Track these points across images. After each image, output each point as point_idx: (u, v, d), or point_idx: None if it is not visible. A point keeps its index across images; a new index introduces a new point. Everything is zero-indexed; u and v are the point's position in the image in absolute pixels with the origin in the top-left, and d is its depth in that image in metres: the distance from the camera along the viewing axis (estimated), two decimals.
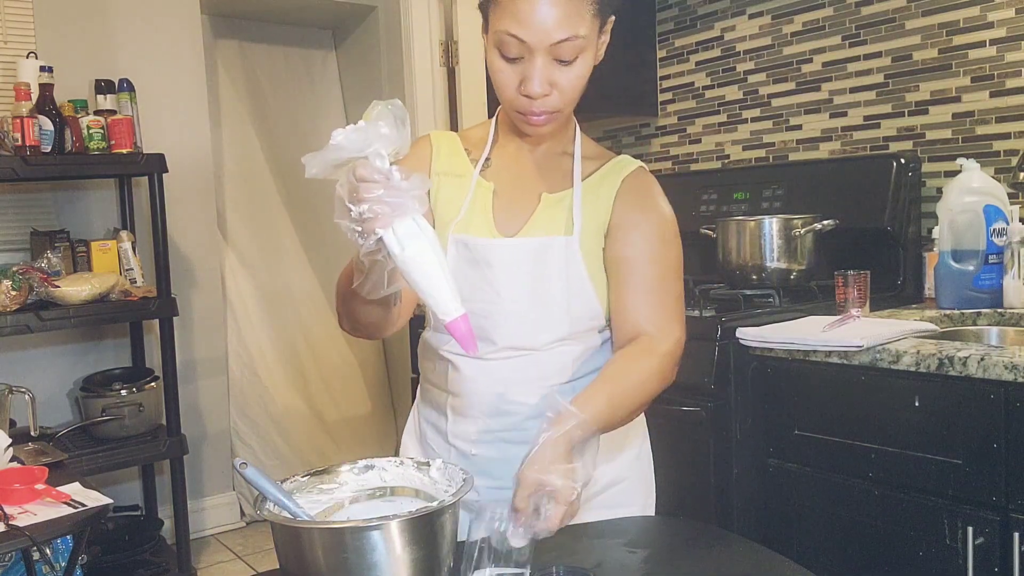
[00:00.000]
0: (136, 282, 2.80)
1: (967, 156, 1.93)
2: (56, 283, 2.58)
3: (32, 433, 2.31)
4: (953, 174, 1.93)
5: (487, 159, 1.19)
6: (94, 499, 1.48)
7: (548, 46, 1.02)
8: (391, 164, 0.84)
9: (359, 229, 0.85)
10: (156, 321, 2.85)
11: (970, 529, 1.35)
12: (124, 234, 2.85)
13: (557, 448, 0.95)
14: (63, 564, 1.84)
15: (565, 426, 0.96)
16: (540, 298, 1.13)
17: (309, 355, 3.82)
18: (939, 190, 2.04)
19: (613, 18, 1.11)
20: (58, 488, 1.50)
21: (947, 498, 1.39)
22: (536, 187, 1.17)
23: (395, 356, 3.94)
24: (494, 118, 1.23)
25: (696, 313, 1.77)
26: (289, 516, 0.99)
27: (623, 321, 1.12)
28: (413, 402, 2.71)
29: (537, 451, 0.95)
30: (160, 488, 3.11)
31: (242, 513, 3.45)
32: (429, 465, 1.11)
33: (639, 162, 1.19)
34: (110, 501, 1.49)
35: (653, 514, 1.31)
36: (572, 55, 1.04)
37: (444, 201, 1.18)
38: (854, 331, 1.54)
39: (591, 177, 1.16)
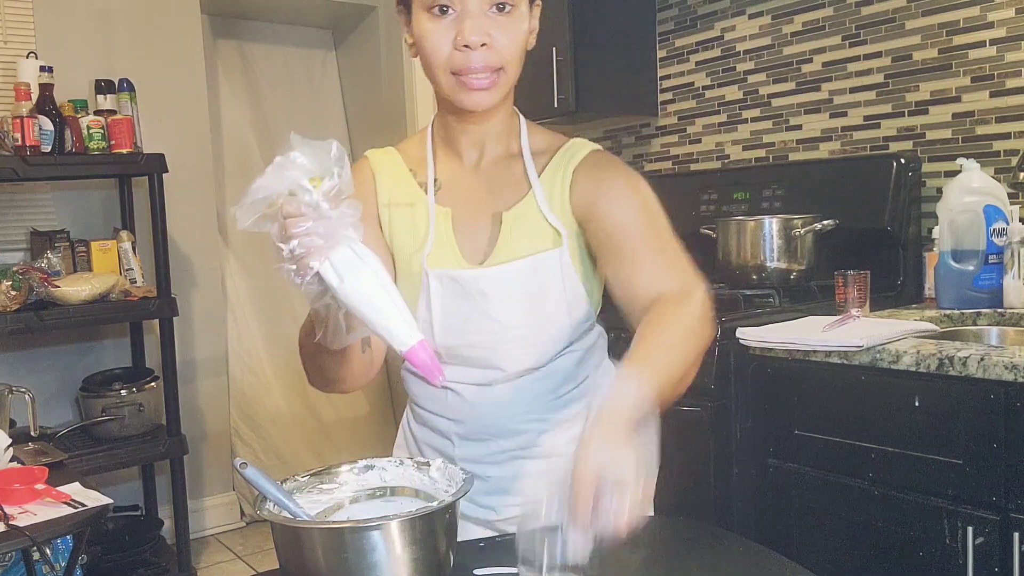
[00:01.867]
0: (136, 282, 2.80)
1: (967, 156, 1.93)
2: (56, 283, 2.58)
3: (32, 433, 2.31)
4: (953, 174, 1.93)
5: (435, 179, 1.12)
6: (94, 499, 1.48)
7: None
8: (318, 195, 0.77)
9: (294, 268, 0.80)
10: (156, 321, 2.85)
11: (970, 529, 1.35)
12: (124, 234, 2.85)
13: (617, 421, 0.80)
14: (63, 564, 1.85)
15: (624, 391, 0.82)
16: (540, 317, 1.08)
17: None
18: (939, 190, 2.04)
19: (540, 5, 1.07)
20: (58, 488, 1.50)
21: (947, 498, 1.39)
22: (491, 205, 1.09)
23: (395, 358, 3.92)
24: (427, 131, 1.15)
25: None
26: (289, 516, 0.99)
27: (638, 293, 1.01)
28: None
29: (592, 427, 0.81)
30: (160, 488, 3.11)
31: (242, 513, 3.45)
32: (429, 465, 1.11)
33: (590, 145, 1.11)
34: (110, 501, 1.49)
35: (652, 514, 1.30)
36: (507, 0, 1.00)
37: (400, 233, 1.11)
38: (854, 331, 1.55)
39: (544, 173, 1.09)
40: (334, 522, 1.05)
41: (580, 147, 1.10)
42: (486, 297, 1.07)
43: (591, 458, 0.78)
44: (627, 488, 0.78)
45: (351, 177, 0.79)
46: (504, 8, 1.00)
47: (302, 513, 1.01)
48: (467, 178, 1.11)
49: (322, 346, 0.93)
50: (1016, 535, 1.30)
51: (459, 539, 1.11)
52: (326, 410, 3.80)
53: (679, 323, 0.94)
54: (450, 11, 0.99)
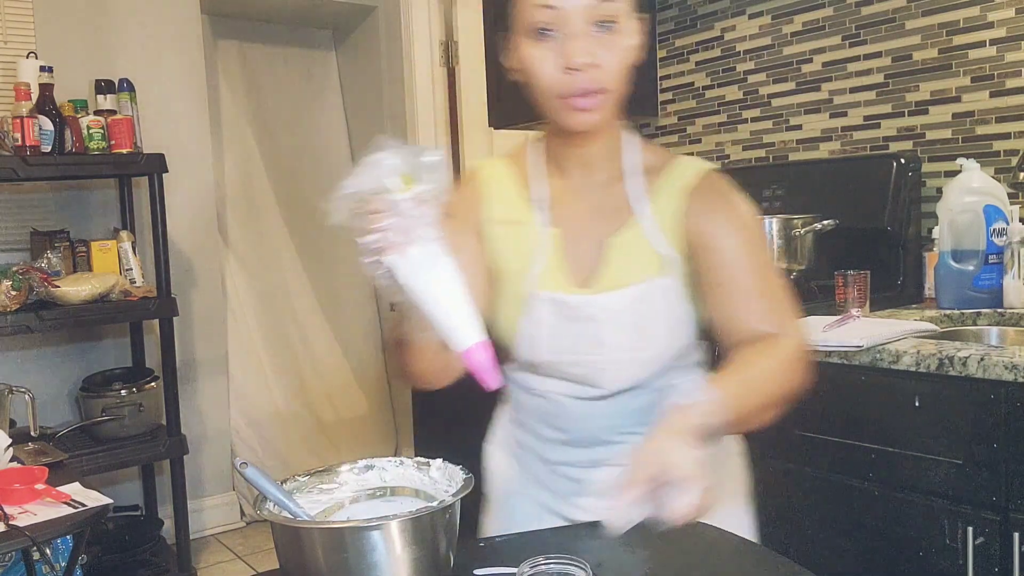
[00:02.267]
0: (136, 282, 2.80)
1: (967, 156, 1.93)
2: (56, 283, 2.58)
3: (32, 433, 2.31)
4: (953, 174, 1.93)
5: (544, 199, 1.12)
6: (94, 499, 1.48)
7: (584, 7, 0.97)
8: (400, 195, 0.81)
9: (370, 262, 0.83)
10: (156, 321, 2.85)
11: (970, 529, 1.35)
12: (124, 234, 2.85)
13: (686, 422, 0.88)
14: (63, 564, 1.84)
15: (700, 399, 0.90)
16: (644, 341, 1.08)
17: (306, 357, 3.82)
18: (939, 190, 2.04)
19: (645, 18, 1.06)
20: (58, 488, 1.50)
21: (947, 498, 1.39)
22: (595, 229, 1.09)
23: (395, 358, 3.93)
24: (531, 146, 1.15)
25: None
26: (289, 516, 0.99)
27: (737, 328, 1.05)
28: (413, 404, 2.69)
29: (663, 422, 0.89)
30: (160, 488, 3.11)
31: (242, 513, 3.45)
32: (429, 465, 1.11)
33: (700, 165, 1.10)
34: (110, 501, 1.49)
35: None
36: (612, 15, 0.98)
37: (505, 251, 1.12)
38: (854, 331, 1.54)
39: (651, 196, 1.09)
40: (334, 522, 1.05)
41: (690, 167, 1.09)
42: (595, 322, 1.08)
43: (656, 446, 0.86)
44: (688, 483, 0.83)
45: (446, 184, 0.82)
46: (608, 25, 0.99)
47: (302, 513, 1.01)
48: (573, 199, 1.11)
49: (403, 341, 0.99)
50: (1016, 535, 1.31)
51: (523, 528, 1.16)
52: (326, 410, 3.81)
53: (770, 360, 0.99)
54: (553, 33, 0.98)
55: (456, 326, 0.82)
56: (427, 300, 0.82)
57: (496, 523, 1.25)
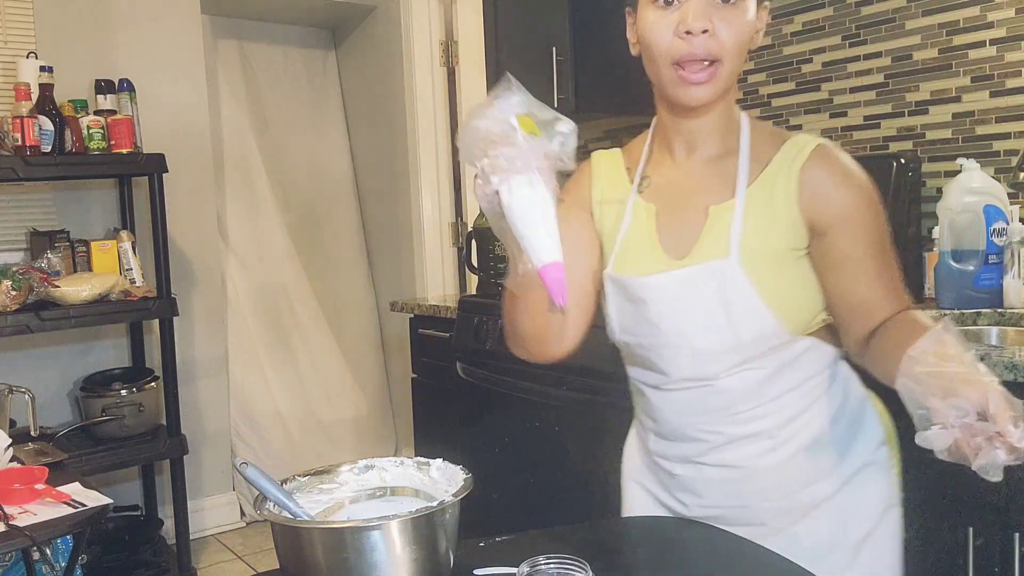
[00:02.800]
0: (136, 282, 2.80)
1: (967, 156, 1.93)
2: (56, 283, 2.58)
3: (32, 433, 2.31)
4: (953, 174, 1.93)
5: (643, 177, 1.14)
6: (94, 499, 1.48)
7: None
8: (518, 128, 0.88)
9: (480, 183, 0.88)
10: (156, 321, 2.85)
11: (970, 529, 1.35)
12: (124, 234, 2.85)
13: (970, 357, 0.83)
14: (63, 564, 1.84)
15: (947, 340, 0.84)
16: (702, 329, 1.06)
17: (306, 357, 3.82)
18: (939, 190, 2.04)
19: (767, 7, 1.07)
20: (58, 488, 1.50)
21: (947, 498, 1.39)
22: (701, 200, 1.08)
23: (395, 359, 3.94)
24: (649, 130, 1.17)
25: None
26: (289, 516, 0.99)
27: (854, 311, 1.04)
28: (413, 404, 2.71)
29: (957, 356, 0.83)
30: (160, 488, 3.11)
31: (242, 513, 3.45)
32: (429, 465, 1.11)
33: (815, 141, 1.06)
34: (110, 501, 1.49)
35: None
36: None
37: (607, 232, 1.15)
38: None
39: (761, 178, 1.06)
40: (334, 522, 1.05)
41: (804, 144, 1.06)
42: (645, 303, 1.08)
43: (988, 378, 0.79)
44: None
45: (568, 150, 0.87)
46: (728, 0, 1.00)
47: (302, 513, 1.02)
48: (676, 175, 1.12)
49: (516, 300, 1.05)
50: (1017, 536, 1.30)
51: (638, 515, 1.22)
52: (325, 410, 3.81)
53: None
54: (675, 2, 1.01)
55: (537, 244, 0.86)
56: (517, 219, 0.87)
57: (621, 505, 1.28)
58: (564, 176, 0.89)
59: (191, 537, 2.95)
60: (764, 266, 1.04)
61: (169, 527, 2.96)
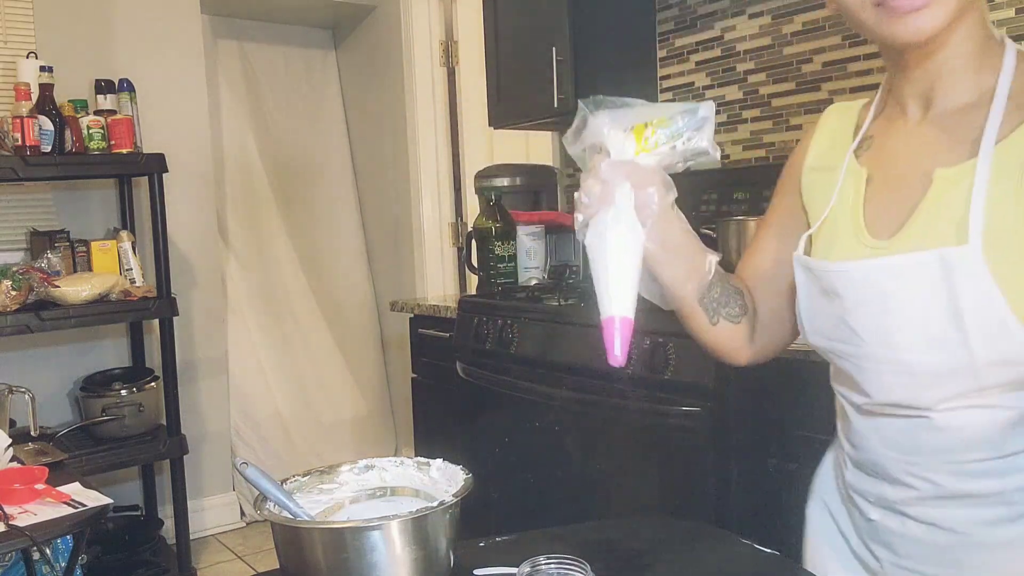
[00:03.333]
0: (136, 282, 2.80)
1: None
2: (56, 283, 2.58)
3: (32, 433, 2.31)
4: None
5: (866, 138, 0.91)
6: (94, 499, 1.48)
7: None
8: (605, 158, 0.84)
9: (576, 218, 0.85)
10: (156, 321, 2.85)
11: None
12: (124, 234, 2.85)
13: None
14: (63, 564, 1.84)
15: None
16: (917, 340, 0.80)
17: (306, 357, 3.82)
18: None
19: None
20: (58, 488, 1.50)
21: None
22: (926, 161, 0.82)
23: (395, 359, 3.94)
24: (881, 87, 0.93)
25: None
26: (290, 516, 0.99)
27: None
28: (413, 404, 2.70)
29: None
30: (160, 488, 3.11)
31: (242, 513, 3.45)
32: (429, 465, 1.11)
33: None
34: (110, 501, 1.49)
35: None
36: None
37: (814, 206, 0.94)
38: None
39: (1021, 131, 0.76)
40: (334, 522, 1.05)
41: None
42: (839, 298, 0.85)
43: None
44: None
45: (706, 141, 0.81)
46: None
47: (303, 513, 1.02)
48: (903, 135, 0.87)
49: (680, 313, 1.00)
50: None
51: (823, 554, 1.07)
52: (326, 411, 3.81)
53: None
54: None
55: (603, 292, 0.82)
56: (591, 260, 0.84)
57: (804, 533, 1.10)
58: (724, 178, 0.83)
59: (191, 537, 2.95)
60: (1018, 258, 0.74)
61: (169, 527, 2.96)
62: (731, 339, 1.01)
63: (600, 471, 1.94)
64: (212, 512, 3.35)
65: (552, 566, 0.89)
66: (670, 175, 0.84)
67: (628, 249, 0.82)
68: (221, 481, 3.40)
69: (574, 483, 2.01)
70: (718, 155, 0.81)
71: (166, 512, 3.03)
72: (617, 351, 0.80)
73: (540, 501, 2.11)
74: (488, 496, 2.22)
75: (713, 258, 0.93)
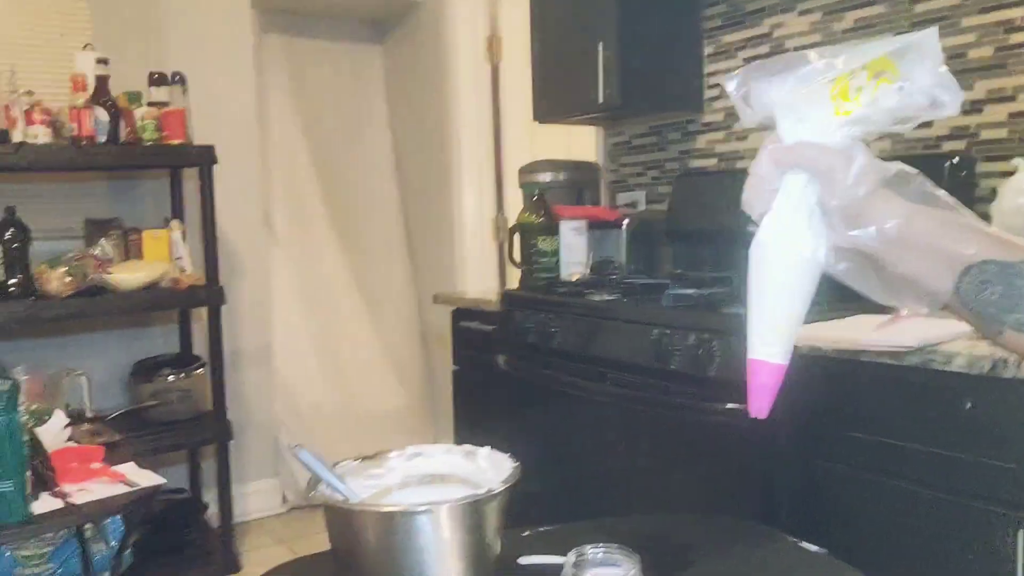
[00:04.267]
0: (185, 270, 2.86)
1: (1023, 156, 1.89)
2: (109, 270, 2.65)
3: (87, 415, 2.37)
4: (1008, 175, 1.89)
5: None
6: (147, 479, 1.52)
7: None
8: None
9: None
10: (204, 309, 2.91)
11: (1020, 533, 1.32)
12: (175, 223, 2.91)
13: None
14: (114, 543, 1.89)
15: None
16: None
17: (348, 350, 3.87)
18: (993, 191, 2.00)
19: None
20: (113, 468, 1.55)
21: (999, 502, 1.37)
22: None
23: (435, 352, 3.97)
24: None
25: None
26: (341, 496, 1.01)
27: None
28: (454, 397, 2.71)
29: None
30: (205, 473, 3.18)
31: (284, 499, 3.51)
32: (476, 453, 1.13)
33: None
34: (163, 480, 1.53)
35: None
36: None
37: None
38: (906, 331, 1.53)
39: None
40: (386, 505, 1.07)
41: None
42: None
43: None
44: None
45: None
46: None
47: (354, 496, 1.04)
48: None
49: None
50: None
51: None
52: (366, 402, 3.85)
53: None
54: None
55: (752, 326, 0.67)
56: (749, 278, 0.67)
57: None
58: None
59: (234, 521, 3.01)
60: None
61: (213, 511, 3.02)
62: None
63: (643, 467, 1.94)
64: (255, 497, 3.41)
65: (600, 554, 0.90)
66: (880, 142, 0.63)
67: (789, 271, 0.65)
68: (264, 467, 3.46)
69: (617, 479, 2.01)
70: (959, 98, 0.61)
71: (211, 496, 3.09)
72: (760, 405, 0.68)
73: (582, 497, 2.12)
74: (529, 490, 2.23)
75: (967, 250, 0.63)
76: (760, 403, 0.68)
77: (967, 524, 1.41)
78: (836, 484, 1.62)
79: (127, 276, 2.66)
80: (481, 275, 3.61)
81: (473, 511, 0.98)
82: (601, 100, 2.57)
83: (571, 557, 0.89)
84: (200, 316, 3.10)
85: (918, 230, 0.63)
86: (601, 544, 0.91)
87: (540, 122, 2.88)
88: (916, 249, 0.64)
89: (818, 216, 0.64)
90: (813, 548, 1.12)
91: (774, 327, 0.67)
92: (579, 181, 2.87)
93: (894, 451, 1.52)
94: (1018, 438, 1.35)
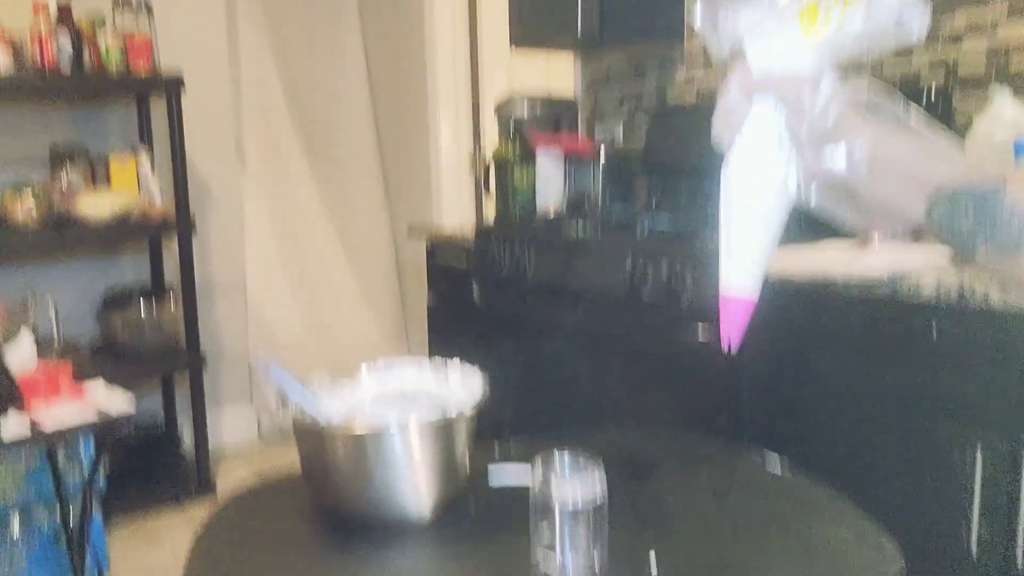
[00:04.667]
0: (155, 200, 2.81)
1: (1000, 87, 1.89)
2: (76, 200, 2.60)
3: (55, 340, 2.35)
4: (986, 107, 1.89)
5: None
6: (118, 400, 1.51)
7: None
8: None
9: None
10: (175, 239, 2.87)
11: (979, 454, 1.36)
12: (142, 153, 2.85)
13: None
14: (86, 468, 1.89)
15: None
16: None
17: (321, 281, 3.85)
18: (970, 121, 2.00)
19: None
20: (82, 389, 1.54)
21: (959, 424, 1.40)
22: None
23: (410, 286, 3.96)
24: None
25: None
26: (312, 417, 1.02)
27: None
28: (429, 331, 2.70)
29: None
30: (180, 403, 3.18)
31: (259, 428, 3.53)
32: (447, 367, 1.13)
33: None
34: (133, 402, 1.52)
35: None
36: None
37: None
38: (877, 260, 1.54)
39: None
40: (356, 425, 1.08)
41: None
42: None
43: None
44: None
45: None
46: None
47: (324, 413, 1.04)
48: None
49: None
50: None
51: None
52: (341, 336, 3.84)
53: None
54: None
55: (723, 256, 0.68)
56: (721, 208, 0.67)
57: None
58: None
59: (209, 450, 3.02)
60: None
61: (188, 441, 3.03)
62: (1015, 269, 0.69)
63: (614, 397, 1.97)
64: (230, 427, 3.42)
65: (566, 459, 0.91)
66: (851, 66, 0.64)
67: (759, 200, 0.65)
68: (239, 396, 3.47)
69: (589, 408, 2.04)
70: (925, 19, 0.61)
71: (185, 427, 3.10)
72: (731, 338, 0.70)
73: (555, 426, 2.14)
74: (502, 421, 2.25)
75: (941, 173, 0.63)
76: (731, 336, 0.71)
77: (929, 442, 1.45)
78: (801, 405, 1.65)
79: (95, 206, 2.61)
80: (458, 211, 3.59)
81: (443, 431, 0.98)
82: (580, 34, 2.52)
83: (538, 461, 0.90)
84: (171, 246, 3.05)
85: (890, 156, 0.63)
86: (568, 450, 0.92)
87: (516, 46, 2.81)
88: (889, 175, 0.64)
89: (788, 144, 0.64)
90: (776, 464, 1.14)
91: (745, 261, 0.68)
92: (556, 114, 2.83)
93: (860, 375, 1.54)
94: (982, 363, 1.38)
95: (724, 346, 0.71)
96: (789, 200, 0.66)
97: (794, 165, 0.65)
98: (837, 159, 0.62)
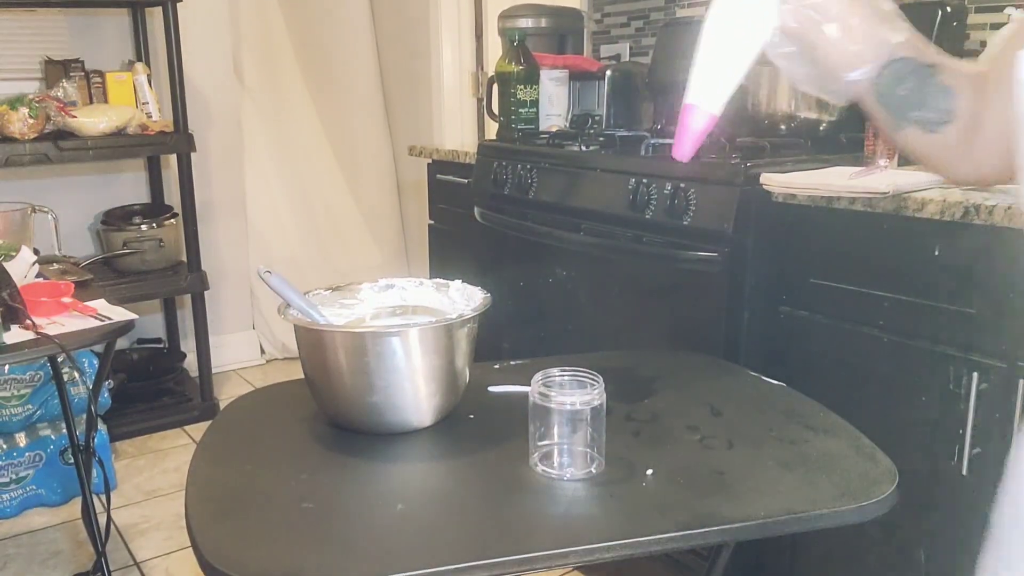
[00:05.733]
0: (153, 116, 2.77)
1: (1016, 7, 1.83)
2: (73, 113, 2.56)
3: (56, 253, 2.34)
4: (1000, 26, 1.84)
5: None
6: (119, 314, 1.52)
7: None
8: None
9: None
10: (174, 157, 2.84)
11: (975, 375, 1.37)
12: (139, 66, 2.80)
13: None
14: (90, 385, 1.92)
15: None
16: None
17: (321, 205, 3.82)
18: (983, 43, 1.95)
19: None
20: (84, 303, 1.54)
21: (956, 346, 1.41)
22: None
23: (411, 206, 3.93)
24: None
25: (719, 159, 1.74)
26: (314, 319, 1.02)
27: None
28: (430, 250, 2.70)
29: None
30: (182, 323, 3.20)
31: (262, 351, 3.56)
32: (448, 286, 1.13)
33: None
34: (135, 316, 1.53)
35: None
36: None
37: None
38: (880, 179, 1.52)
39: None
40: (357, 326, 1.09)
41: None
42: None
43: None
44: None
45: None
46: None
47: (325, 320, 1.04)
48: None
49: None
50: (1022, 382, 1.33)
51: None
52: (341, 257, 3.85)
53: None
54: None
55: (695, 74, 0.75)
56: (702, 34, 0.75)
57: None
58: None
59: (213, 371, 3.05)
60: None
61: (191, 360, 3.06)
62: (929, 149, 0.77)
63: (616, 316, 1.97)
64: (233, 348, 3.46)
65: (566, 377, 0.92)
66: None
67: (737, 28, 0.72)
68: (242, 319, 3.49)
69: (590, 327, 2.05)
70: None
71: (188, 346, 3.13)
72: (684, 147, 0.75)
73: (556, 345, 2.16)
74: (502, 340, 2.27)
75: (895, 38, 0.73)
76: (686, 146, 0.76)
77: (924, 367, 1.46)
78: (799, 328, 1.65)
79: (92, 120, 2.58)
80: (460, 130, 3.54)
81: (443, 334, 0.99)
82: None
83: (538, 377, 0.91)
84: (170, 164, 3.03)
85: (853, 10, 0.72)
86: (568, 368, 0.93)
87: None
88: (850, 31, 0.72)
89: None
90: (772, 381, 1.15)
91: (714, 76, 0.74)
92: (562, 28, 2.76)
93: (859, 297, 1.54)
94: (982, 284, 1.37)
95: (675, 154, 0.75)
96: (761, 36, 0.73)
97: (773, 11, 0.72)
98: (806, 10, 0.72)
